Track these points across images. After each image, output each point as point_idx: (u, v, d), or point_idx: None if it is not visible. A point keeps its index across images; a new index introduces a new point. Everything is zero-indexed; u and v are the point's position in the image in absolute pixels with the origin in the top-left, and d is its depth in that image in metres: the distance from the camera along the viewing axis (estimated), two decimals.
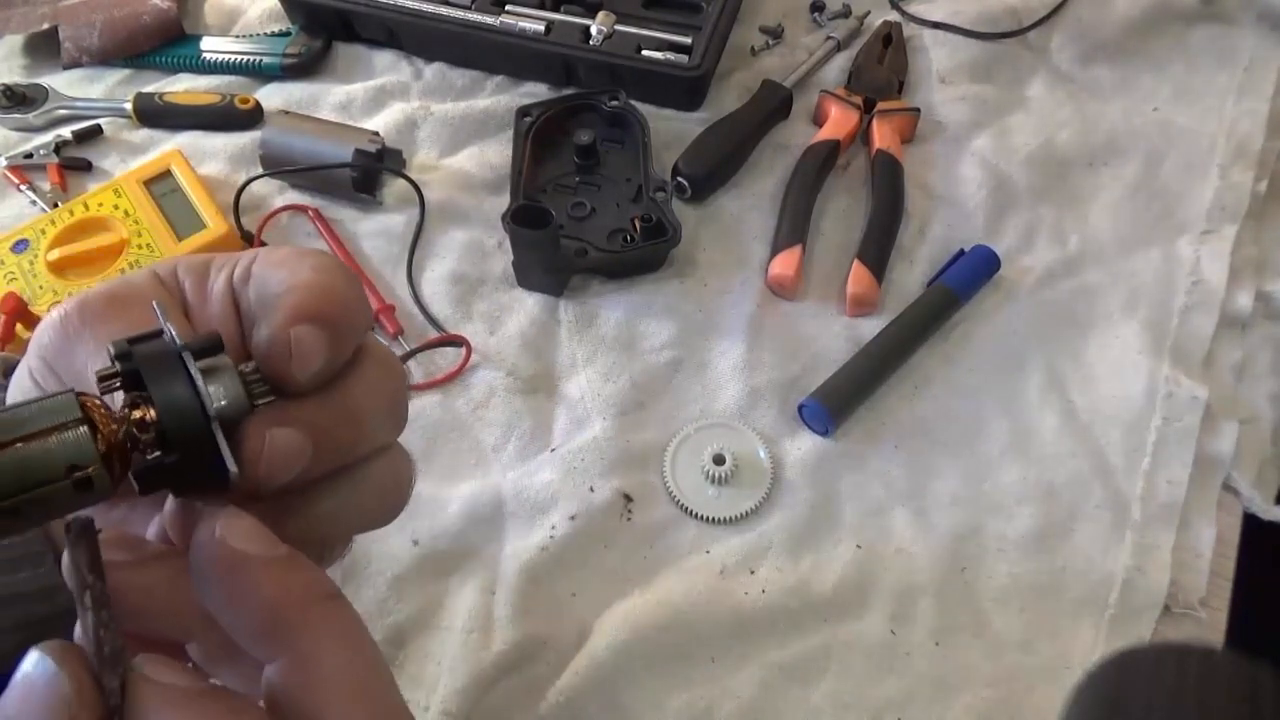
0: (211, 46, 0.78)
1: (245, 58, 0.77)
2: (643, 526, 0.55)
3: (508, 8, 0.75)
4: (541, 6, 0.75)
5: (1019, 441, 0.58)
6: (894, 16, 0.79)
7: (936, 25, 0.78)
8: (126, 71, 0.79)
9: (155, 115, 0.75)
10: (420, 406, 0.60)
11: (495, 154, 0.72)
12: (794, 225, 0.66)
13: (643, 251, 0.64)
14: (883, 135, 0.70)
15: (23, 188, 0.71)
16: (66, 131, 0.74)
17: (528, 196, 0.66)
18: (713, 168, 0.68)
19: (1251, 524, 0.56)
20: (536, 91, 0.75)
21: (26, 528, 0.23)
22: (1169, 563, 0.53)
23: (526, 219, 0.60)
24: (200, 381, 0.24)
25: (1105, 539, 0.54)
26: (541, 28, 0.73)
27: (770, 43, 0.78)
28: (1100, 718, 0.38)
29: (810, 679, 0.50)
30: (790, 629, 0.52)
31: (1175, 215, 0.67)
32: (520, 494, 0.56)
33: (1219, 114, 0.72)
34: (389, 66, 0.77)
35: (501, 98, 0.75)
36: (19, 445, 0.22)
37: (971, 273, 0.63)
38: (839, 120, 0.71)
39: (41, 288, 0.64)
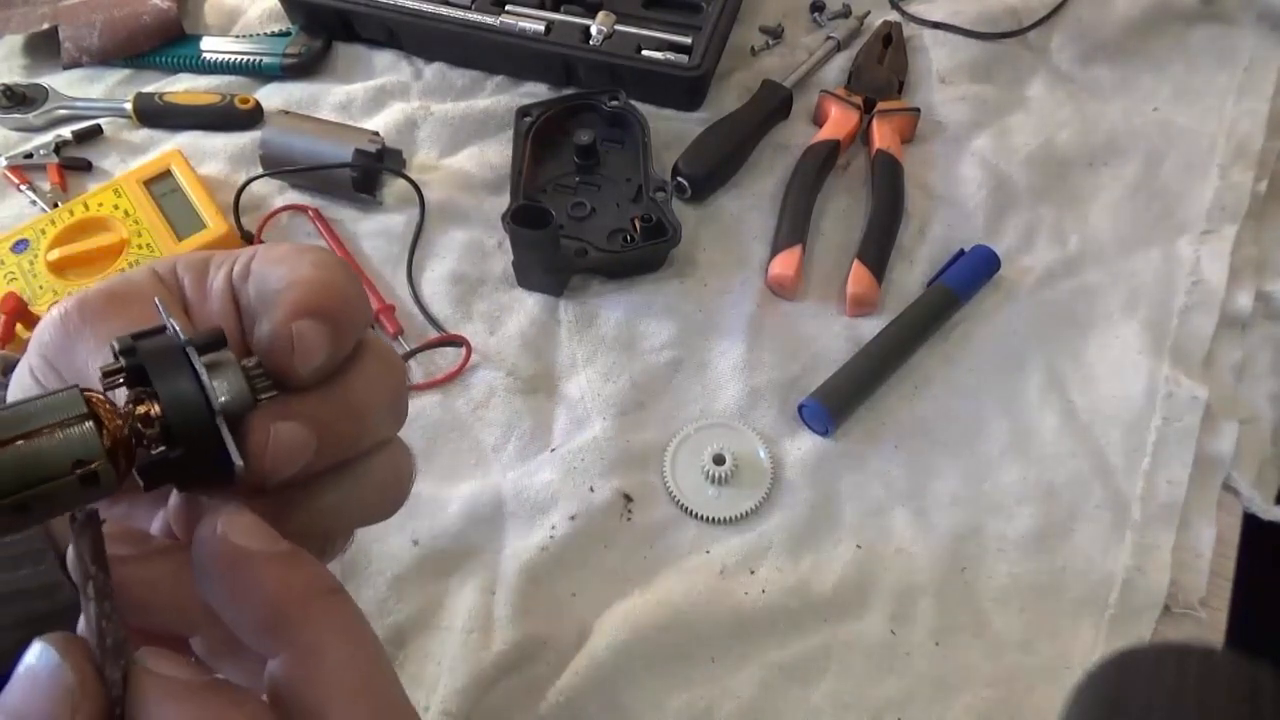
0: (211, 46, 0.78)
1: (245, 58, 0.77)
2: (643, 526, 0.55)
3: (508, 8, 0.75)
4: (541, 6, 0.75)
5: (1019, 441, 0.58)
6: (894, 16, 0.79)
7: (936, 25, 0.78)
8: (126, 71, 0.79)
9: (155, 115, 0.75)
10: (420, 406, 0.60)
11: (495, 154, 0.72)
12: (794, 225, 0.66)
13: (643, 251, 0.64)
14: (883, 135, 0.70)
15: (23, 188, 0.71)
16: (66, 131, 0.74)
17: (528, 196, 0.66)
18: (713, 168, 0.68)
19: (1251, 524, 0.56)
20: (536, 91, 0.75)
21: (33, 523, 0.23)
22: (1169, 563, 0.53)
23: (526, 219, 0.60)
24: (205, 376, 0.24)
25: (1105, 539, 0.54)
26: (541, 28, 0.73)
27: (770, 43, 0.78)
28: (1100, 718, 0.38)
29: (810, 679, 0.50)
30: (790, 629, 0.52)
31: (1175, 215, 0.68)
32: (520, 494, 0.56)
33: (1219, 114, 0.72)
34: (389, 66, 0.77)
35: (501, 98, 0.75)
36: (25, 441, 0.22)
37: (971, 273, 0.63)
38: (839, 120, 0.71)
39: (41, 288, 0.64)
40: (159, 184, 0.69)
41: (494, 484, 0.57)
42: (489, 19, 0.74)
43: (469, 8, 0.75)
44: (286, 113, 0.72)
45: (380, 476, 0.29)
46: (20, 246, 0.66)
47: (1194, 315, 0.62)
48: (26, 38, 0.80)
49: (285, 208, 0.69)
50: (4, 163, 0.72)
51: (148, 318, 0.27)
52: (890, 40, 0.76)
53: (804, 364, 0.61)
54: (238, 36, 0.80)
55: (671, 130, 0.72)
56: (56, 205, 0.69)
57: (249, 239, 0.67)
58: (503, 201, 0.67)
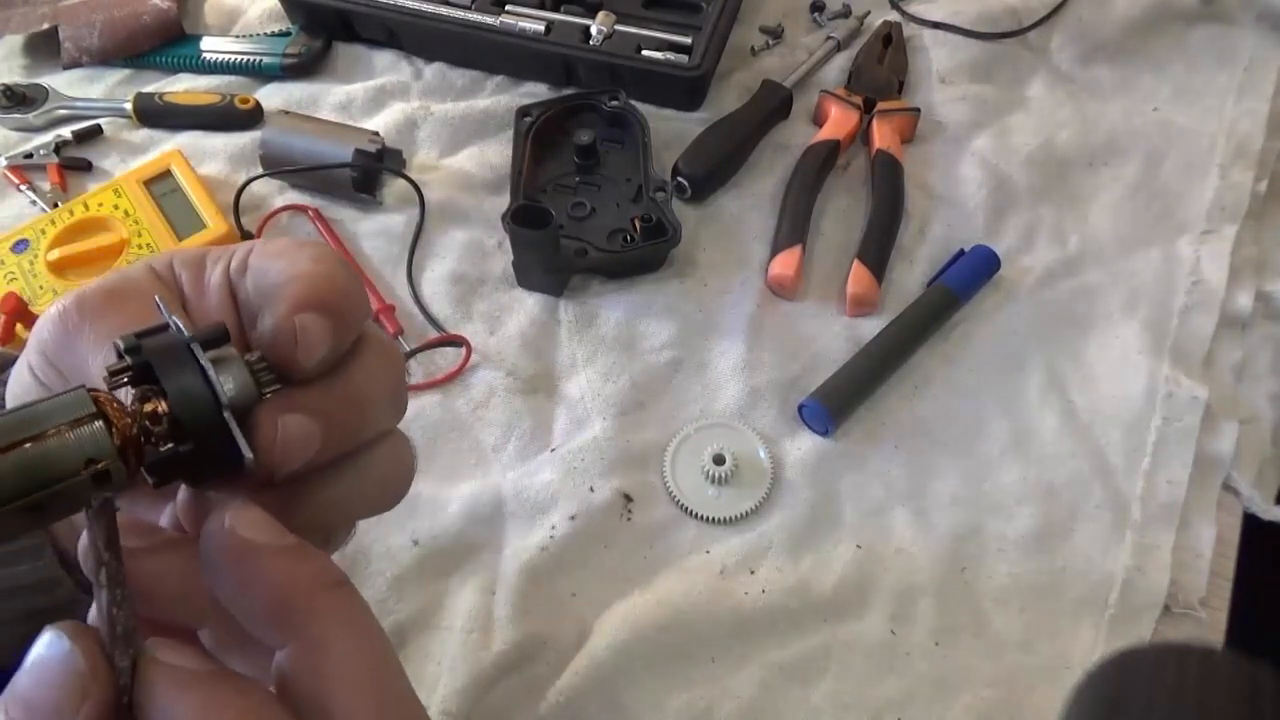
0: (211, 46, 0.78)
1: (245, 58, 0.77)
2: (643, 526, 0.55)
3: (508, 8, 0.75)
4: (541, 6, 0.75)
5: (1019, 441, 0.58)
6: (894, 16, 0.79)
7: (936, 25, 0.78)
8: (126, 71, 0.79)
9: (155, 115, 0.75)
10: (420, 406, 0.60)
11: (495, 154, 0.72)
12: (794, 225, 0.66)
13: (643, 251, 0.64)
14: (883, 135, 0.70)
15: (23, 188, 0.71)
16: (66, 131, 0.74)
17: (528, 196, 0.66)
18: (713, 168, 0.68)
19: (1251, 524, 0.56)
20: (536, 91, 0.75)
21: (47, 523, 0.23)
22: (1169, 563, 0.53)
23: (526, 219, 0.60)
24: (211, 372, 0.25)
25: (1105, 539, 0.54)
26: (541, 28, 0.73)
27: (770, 43, 0.78)
28: (1100, 718, 0.38)
29: (810, 679, 0.50)
30: (790, 629, 0.52)
31: (1175, 215, 0.68)
32: (520, 494, 0.56)
33: (1219, 114, 0.72)
34: (389, 66, 0.77)
35: (501, 98, 0.75)
36: (37, 443, 0.22)
37: (971, 273, 0.63)
38: (839, 120, 0.71)
39: (41, 288, 0.64)
40: (159, 184, 0.69)
41: (494, 484, 0.57)
42: (489, 19, 0.74)
43: (469, 8, 0.75)
44: (286, 113, 0.72)
45: (382, 467, 0.30)
46: (20, 246, 0.66)
47: (1194, 315, 0.62)
48: (26, 38, 0.80)
49: (285, 208, 0.69)
50: (4, 163, 0.72)
51: (146, 314, 0.27)
52: (890, 40, 0.76)
53: (804, 364, 0.61)
54: (238, 36, 0.80)
55: (671, 130, 0.72)
56: (56, 205, 0.69)
57: (249, 239, 0.67)
58: (503, 201, 0.67)
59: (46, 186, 0.71)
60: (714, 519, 0.55)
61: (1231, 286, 0.63)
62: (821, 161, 0.69)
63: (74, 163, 0.73)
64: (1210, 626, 0.52)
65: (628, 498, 0.56)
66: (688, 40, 0.73)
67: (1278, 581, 0.59)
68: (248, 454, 0.24)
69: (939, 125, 0.73)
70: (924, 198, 0.69)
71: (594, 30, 0.73)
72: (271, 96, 0.76)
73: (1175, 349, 0.61)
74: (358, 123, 0.73)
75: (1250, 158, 0.69)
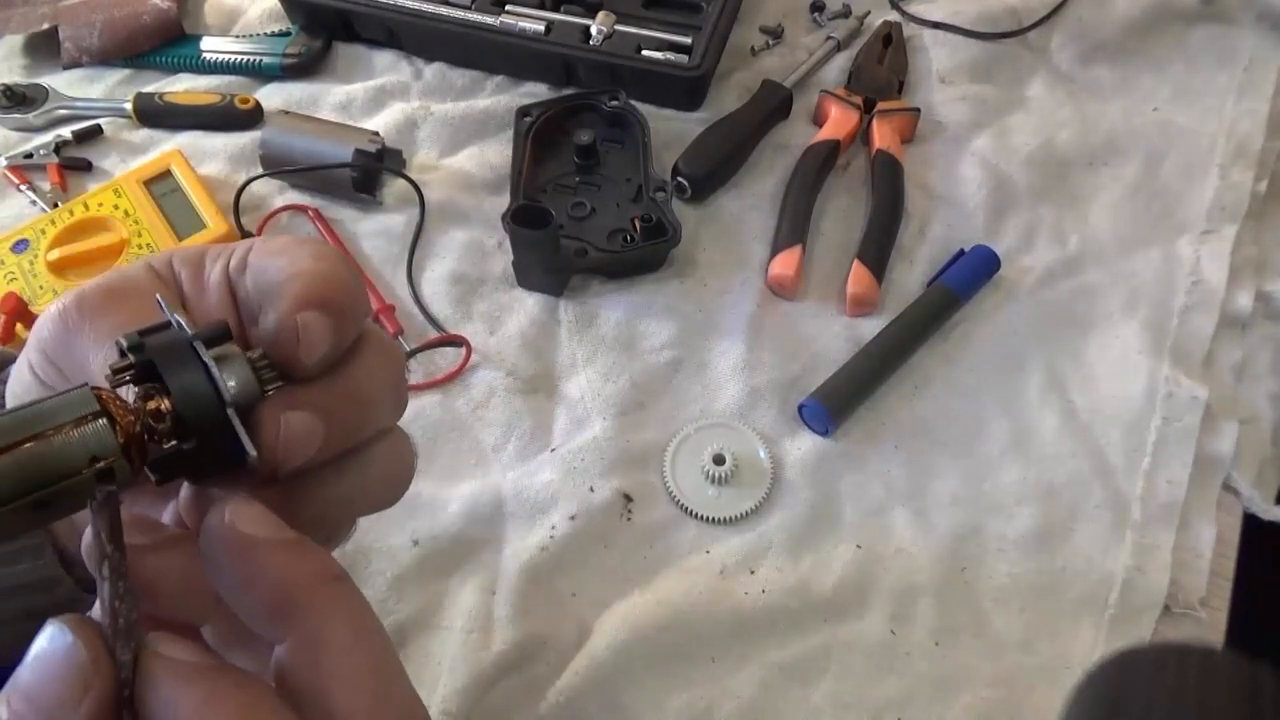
0: (211, 46, 0.78)
1: (245, 58, 0.77)
2: (643, 526, 0.55)
3: (508, 8, 0.75)
4: (541, 6, 0.75)
5: (1019, 441, 0.58)
6: (894, 16, 0.79)
7: (936, 25, 0.78)
8: (126, 71, 0.79)
9: (155, 115, 0.75)
10: (420, 406, 0.60)
11: (495, 154, 0.72)
12: (794, 225, 0.66)
13: (643, 251, 0.64)
14: (883, 135, 0.70)
15: (23, 188, 0.71)
16: (66, 131, 0.74)
17: (528, 196, 0.66)
18: (713, 168, 0.68)
19: (1251, 524, 0.56)
20: (536, 91, 0.75)
21: (52, 520, 0.23)
22: (1169, 563, 0.53)
23: (526, 219, 0.60)
24: (215, 369, 0.25)
25: (1105, 539, 0.54)
26: (541, 28, 0.73)
27: (770, 43, 0.78)
28: (1100, 718, 0.38)
29: (810, 679, 0.50)
30: (790, 629, 0.52)
31: (1175, 215, 0.68)
32: (520, 494, 0.56)
33: (1219, 114, 0.72)
34: (389, 66, 0.77)
35: (501, 98, 0.75)
36: (41, 441, 0.22)
37: (971, 273, 0.63)
38: (839, 120, 0.71)
39: (41, 288, 0.64)
40: (159, 184, 0.69)
41: (494, 484, 0.57)
42: (489, 19, 0.74)
43: (469, 8, 0.75)
44: (286, 113, 0.72)
45: (383, 465, 0.30)
46: (20, 246, 0.66)
47: (1194, 315, 0.62)
48: (26, 38, 0.80)
49: (285, 208, 0.69)
50: (4, 163, 0.72)
51: (145, 312, 0.27)
52: (890, 40, 0.76)
53: (804, 364, 0.61)
54: (238, 36, 0.80)
55: (671, 130, 0.72)
56: (56, 205, 0.69)
57: (249, 239, 0.67)
58: (503, 201, 0.67)
59: (46, 186, 0.71)
60: (714, 519, 0.55)
61: (1231, 286, 0.63)
62: (821, 161, 0.69)
63: (74, 163, 0.73)
64: (1210, 626, 0.52)
65: (628, 498, 0.56)
66: (688, 40, 0.73)
67: (1278, 581, 0.59)
68: (251, 451, 0.25)
69: (939, 125, 0.73)
70: (924, 198, 0.69)
71: (594, 30, 0.73)
72: (271, 96, 0.76)
73: (1175, 349, 0.61)
74: (358, 123, 0.73)
75: (1250, 158, 0.69)
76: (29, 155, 0.72)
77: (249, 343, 0.27)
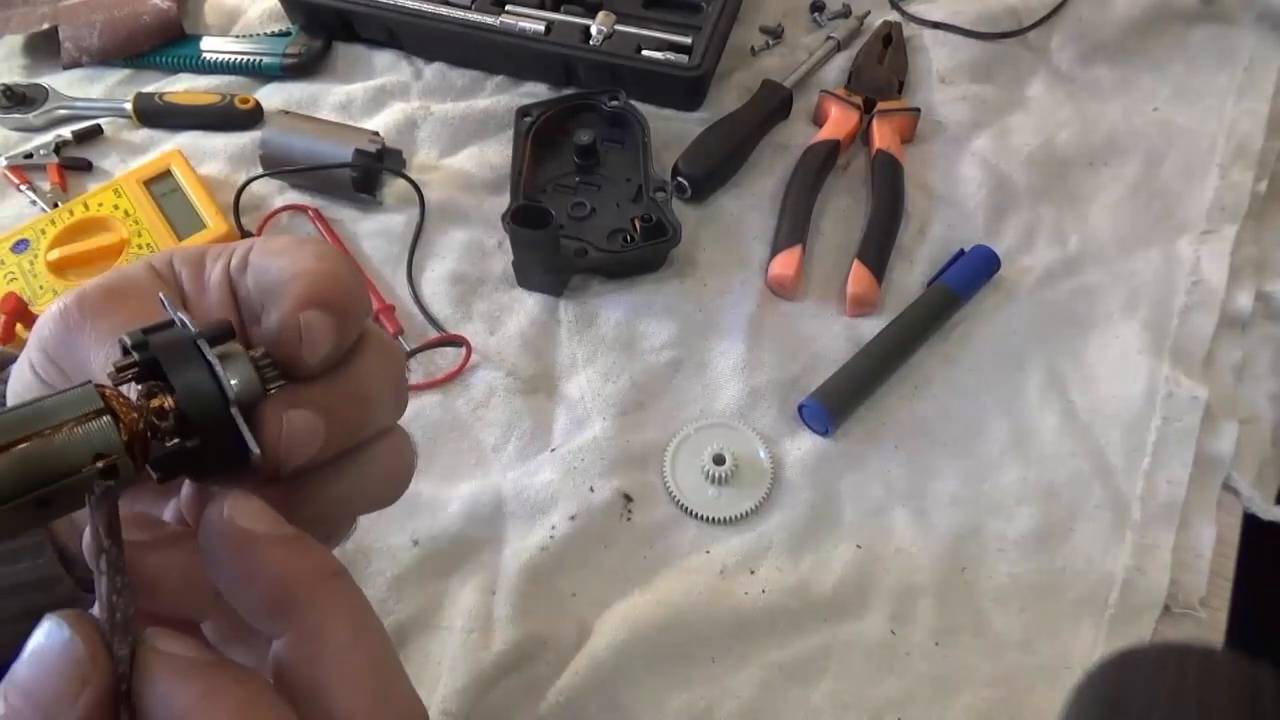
0: (211, 46, 0.78)
1: (245, 58, 0.77)
2: (643, 526, 0.55)
3: (508, 8, 0.75)
4: (541, 6, 0.75)
5: (1019, 441, 0.58)
6: (894, 16, 0.79)
7: (936, 25, 0.78)
8: (126, 71, 0.79)
9: (155, 115, 0.75)
10: (420, 406, 0.60)
11: (495, 154, 0.72)
12: (794, 225, 0.66)
13: (643, 251, 0.64)
14: (883, 135, 0.70)
15: (23, 188, 0.71)
16: (66, 131, 0.74)
17: (528, 196, 0.66)
18: (713, 168, 0.68)
19: (1251, 524, 0.56)
20: (536, 91, 0.75)
21: (54, 517, 0.23)
22: (1169, 563, 0.53)
23: (526, 219, 0.60)
24: (219, 367, 0.25)
25: (1105, 539, 0.54)
26: (541, 28, 0.73)
27: (770, 43, 0.78)
28: (1100, 718, 0.38)
29: (810, 679, 0.50)
30: (790, 629, 0.52)
31: (1175, 215, 0.68)
32: (520, 494, 0.56)
33: (1219, 114, 0.72)
34: (389, 66, 0.77)
35: (501, 98, 0.75)
36: (45, 438, 0.23)
37: (971, 273, 0.63)
38: (839, 120, 0.71)
39: (41, 288, 0.64)
40: (159, 184, 0.69)
41: (494, 484, 0.57)
42: (489, 19, 0.74)
43: (469, 8, 0.75)
44: (286, 113, 0.72)
45: (384, 464, 0.30)
46: (20, 246, 0.66)
47: (1194, 315, 0.62)
48: (26, 38, 0.80)
49: (285, 208, 0.69)
50: (4, 163, 0.72)
51: (146, 312, 0.27)
52: (890, 40, 0.76)
53: (804, 364, 0.61)
54: (238, 36, 0.80)
55: (671, 130, 0.72)
56: (56, 205, 0.69)
57: (249, 239, 0.67)
58: (503, 201, 0.67)
59: (46, 186, 0.71)
60: (714, 519, 0.55)
61: (1231, 286, 0.63)
62: (821, 161, 0.69)
63: (74, 163, 0.73)
64: (1210, 626, 0.52)
65: (628, 498, 0.56)
66: (688, 40, 0.73)
67: (1278, 581, 0.59)
68: (254, 449, 0.25)
69: (939, 125, 0.73)
70: (924, 198, 0.69)
71: (594, 30, 0.73)
72: (271, 96, 0.76)
73: (1175, 349, 0.61)
74: (358, 123, 0.73)
75: (1250, 158, 0.69)
76: (29, 155, 0.72)
77: (250, 342, 0.27)
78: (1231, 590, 0.53)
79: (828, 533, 0.55)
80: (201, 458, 0.25)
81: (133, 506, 0.30)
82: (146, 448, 0.24)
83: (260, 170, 0.69)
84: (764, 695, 0.50)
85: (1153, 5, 0.78)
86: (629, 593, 0.53)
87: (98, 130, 0.74)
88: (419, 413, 0.60)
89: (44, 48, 0.79)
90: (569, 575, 0.54)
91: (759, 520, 0.55)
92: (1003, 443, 0.58)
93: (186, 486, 0.28)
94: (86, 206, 0.67)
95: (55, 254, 0.65)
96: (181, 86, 0.77)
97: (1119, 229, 0.67)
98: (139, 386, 0.25)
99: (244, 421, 0.25)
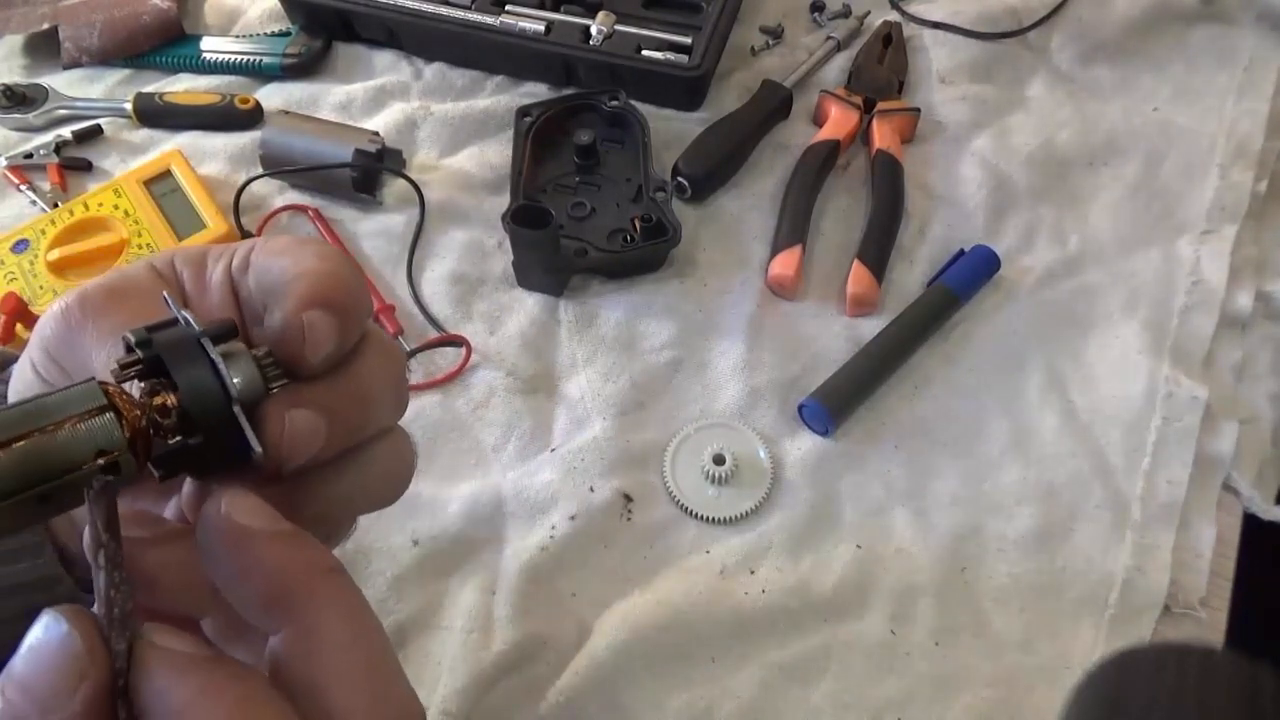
0: (211, 46, 0.78)
1: (245, 58, 0.77)
2: (643, 526, 0.55)
3: (508, 8, 0.75)
4: (541, 6, 0.75)
5: (1019, 441, 0.58)
6: (894, 16, 0.79)
7: (936, 25, 0.78)
8: (126, 71, 0.79)
9: (155, 115, 0.75)
10: (420, 406, 0.60)
11: (495, 154, 0.72)
12: (794, 225, 0.66)
13: (643, 251, 0.64)
14: (883, 135, 0.70)
15: (23, 188, 0.71)
16: (66, 131, 0.74)
17: (528, 196, 0.66)
18: (713, 168, 0.68)
19: (1251, 524, 0.56)
20: (536, 91, 0.75)
21: (56, 513, 0.23)
22: (1169, 563, 0.53)
23: (526, 219, 0.60)
24: (222, 366, 0.25)
25: (1105, 539, 0.54)
26: (541, 28, 0.73)
27: (770, 43, 0.78)
28: (1100, 718, 0.38)
29: (810, 679, 0.50)
30: (790, 629, 0.52)
31: (1175, 215, 0.68)
32: (520, 494, 0.56)
33: (1219, 114, 0.72)
34: (389, 66, 0.77)
35: (501, 98, 0.75)
36: (47, 434, 0.23)
37: (971, 273, 0.63)
38: (839, 120, 0.71)
39: (41, 288, 0.64)
40: (159, 184, 0.69)
41: (494, 484, 0.57)
42: (489, 19, 0.74)
43: (469, 8, 0.75)
44: (286, 113, 0.72)
45: (384, 463, 0.30)
46: (20, 246, 0.66)
47: (1194, 315, 0.62)
48: (26, 38, 0.80)
49: (285, 208, 0.69)
50: (4, 163, 0.72)
51: (147, 311, 0.27)
52: (890, 40, 0.76)
53: (804, 364, 0.61)
54: (238, 36, 0.80)
55: (671, 130, 0.72)
56: (56, 205, 0.69)
57: (249, 239, 0.67)
58: (503, 201, 0.67)
59: (46, 186, 0.71)
60: (714, 519, 0.55)
61: (1231, 286, 0.63)
62: (821, 161, 0.69)
63: (74, 163, 0.73)
64: (1210, 626, 0.52)
65: (628, 498, 0.56)
66: (688, 40, 0.73)
67: (1278, 581, 0.59)
68: (257, 448, 0.25)
69: (939, 125, 0.73)
70: (924, 198, 0.69)
71: (594, 30, 0.73)
72: (271, 96, 0.76)
73: (1175, 349, 0.61)
74: (358, 123, 0.73)
75: (1250, 158, 0.69)
76: (29, 155, 0.73)
77: (251, 342, 0.27)
78: (1231, 590, 0.53)
79: (828, 533, 0.55)
80: (203, 456, 0.25)
81: (134, 504, 0.30)
82: (149, 445, 0.24)
83: (260, 170, 0.69)
84: (764, 695, 0.50)
85: (1153, 5, 0.78)
86: (629, 593, 0.53)
87: (98, 130, 0.74)
88: (419, 413, 0.60)
89: (44, 48, 0.79)
90: (569, 575, 0.54)
91: (759, 520, 0.55)
92: (1003, 443, 0.58)
93: (187, 485, 0.28)
94: (86, 206, 0.67)
95: (55, 254, 0.65)
96: (181, 86, 0.77)
97: (1119, 229, 0.67)
98: (141, 384, 0.25)
99: (246, 420, 0.25)
